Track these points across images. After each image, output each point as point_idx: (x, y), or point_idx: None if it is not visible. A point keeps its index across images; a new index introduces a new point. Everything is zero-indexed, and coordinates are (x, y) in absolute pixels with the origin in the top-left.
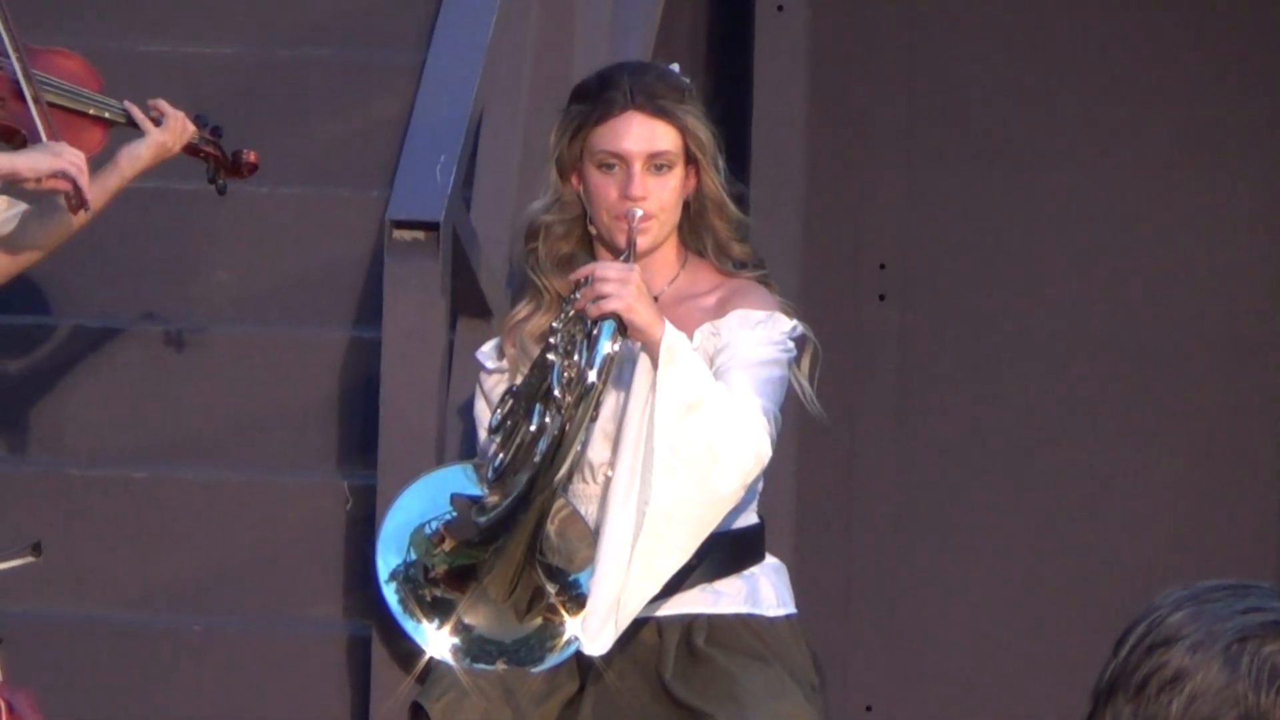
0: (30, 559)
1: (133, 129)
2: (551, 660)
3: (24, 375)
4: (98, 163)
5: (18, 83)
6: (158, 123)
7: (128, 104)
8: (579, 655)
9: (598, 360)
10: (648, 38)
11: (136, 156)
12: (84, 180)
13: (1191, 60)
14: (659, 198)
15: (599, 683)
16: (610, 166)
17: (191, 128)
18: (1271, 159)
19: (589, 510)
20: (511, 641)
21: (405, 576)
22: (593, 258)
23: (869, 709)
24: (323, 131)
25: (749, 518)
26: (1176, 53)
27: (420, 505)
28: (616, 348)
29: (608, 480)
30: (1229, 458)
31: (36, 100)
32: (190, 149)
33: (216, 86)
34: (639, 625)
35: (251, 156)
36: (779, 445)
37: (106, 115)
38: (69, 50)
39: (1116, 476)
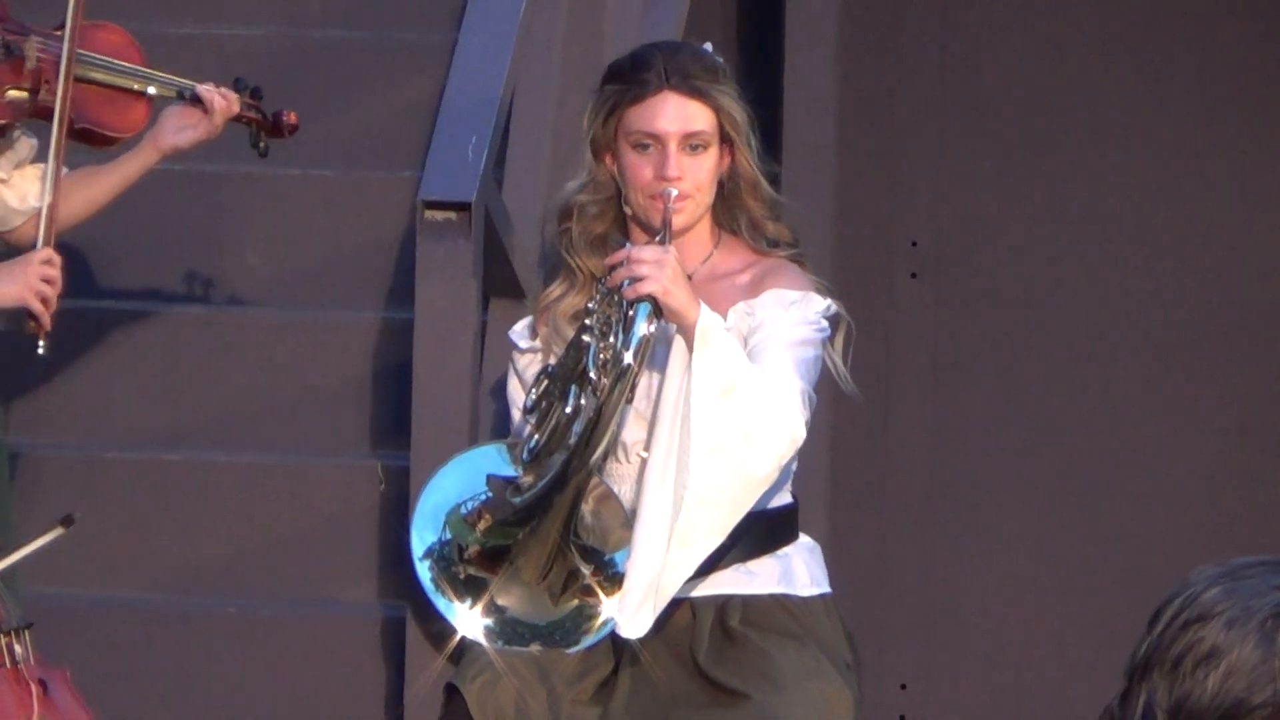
0: (61, 531)
1: (173, 101)
2: (587, 642)
3: (56, 358)
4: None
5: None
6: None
7: (198, 88)
8: (614, 636)
9: (634, 342)
10: (679, 16)
11: (178, 146)
12: (48, 311)
13: (1223, 37)
14: (694, 177)
15: (634, 663)
16: (645, 146)
17: (235, 107)
18: None
19: (623, 490)
20: (545, 624)
21: (439, 555)
22: (626, 238)
23: (904, 687)
24: (354, 113)
25: (783, 498)
26: (1208, 30)
27: (456, 485)
28: (652, 330)
29: (642, 461)
30: (1263, 433)
31: (62, 119)
32: (231, 115)
33: (248, 68)
34: (673, 606)
35: (292, 117)
36: (813, 425)
37: (151, 90)
38: (112, 25)
39: (1150, 453)
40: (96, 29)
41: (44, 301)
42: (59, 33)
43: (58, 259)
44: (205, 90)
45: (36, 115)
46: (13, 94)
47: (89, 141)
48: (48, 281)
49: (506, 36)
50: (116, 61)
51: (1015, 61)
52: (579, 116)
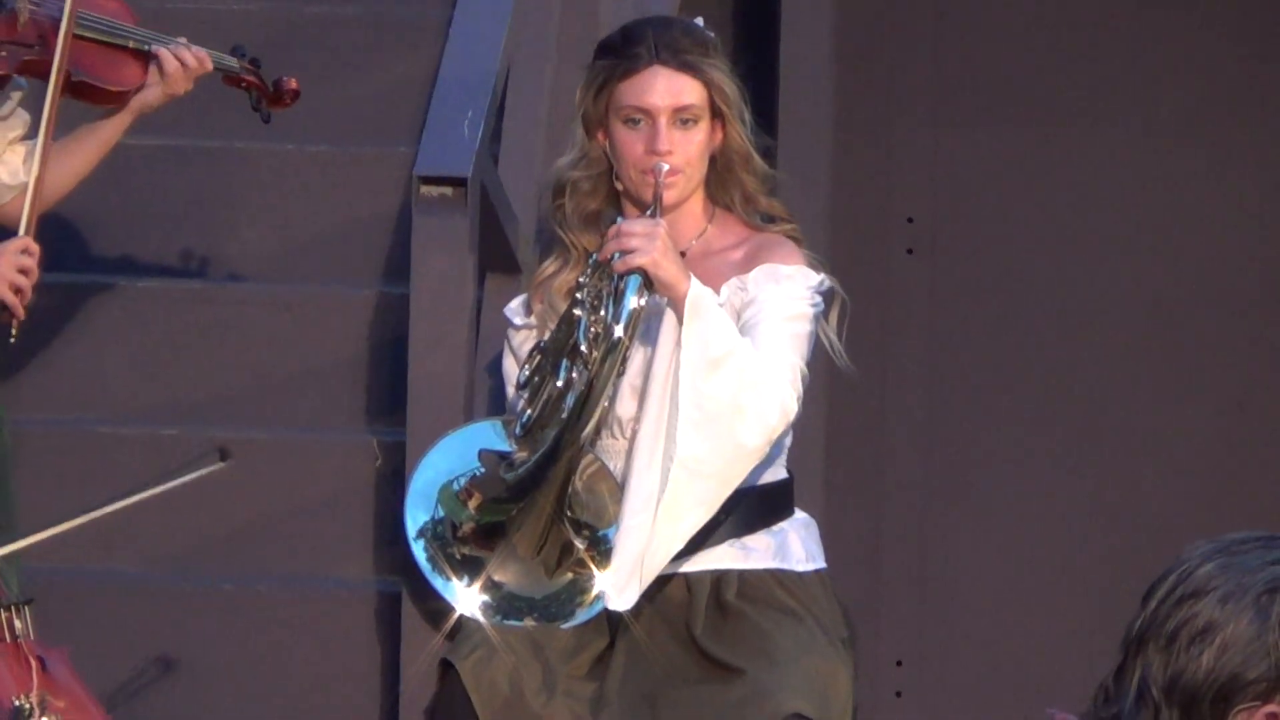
0: (220, 465)
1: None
2: (581, 616)
3: (52, 333)
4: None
5: (57, 25)
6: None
7: (161, 48)
8: (609, 611)
9: (624, 315)
10: None
11: (146, 103)
12: (22, 301)
13: (1218, 15)
14: (685, 152)
15: (629, 638)
16: (636, 121)
17: (208, 65)
18: None
19: (618, 465)
20: (541, 597)
21: (434, 534)
22: (620, 213)
23: (899, 664)
24: (350, 88)
25: (777, 472)
26: (1203, 8)
27: (449, 462)
28: (643, 303)
29: (636, 435)
30: (1259, 411)
31: (59, 72)
32: (231, 80)
33: (244, 42)
34: (667, 581)
35: (292, 84)
36: (808, 400)
37: (148, 48)
38: None
39: (1147, 430)
40: None
41: (18, 292)
42: None
43: (35, 248)
44: (169, 49)
45: (31, 72)
46: (9, 48)
47: (87, 97)
48: (23, 271)
49: (502, 11)
50: (113, 21)
51: (1012, 38)
52: (573, 92)
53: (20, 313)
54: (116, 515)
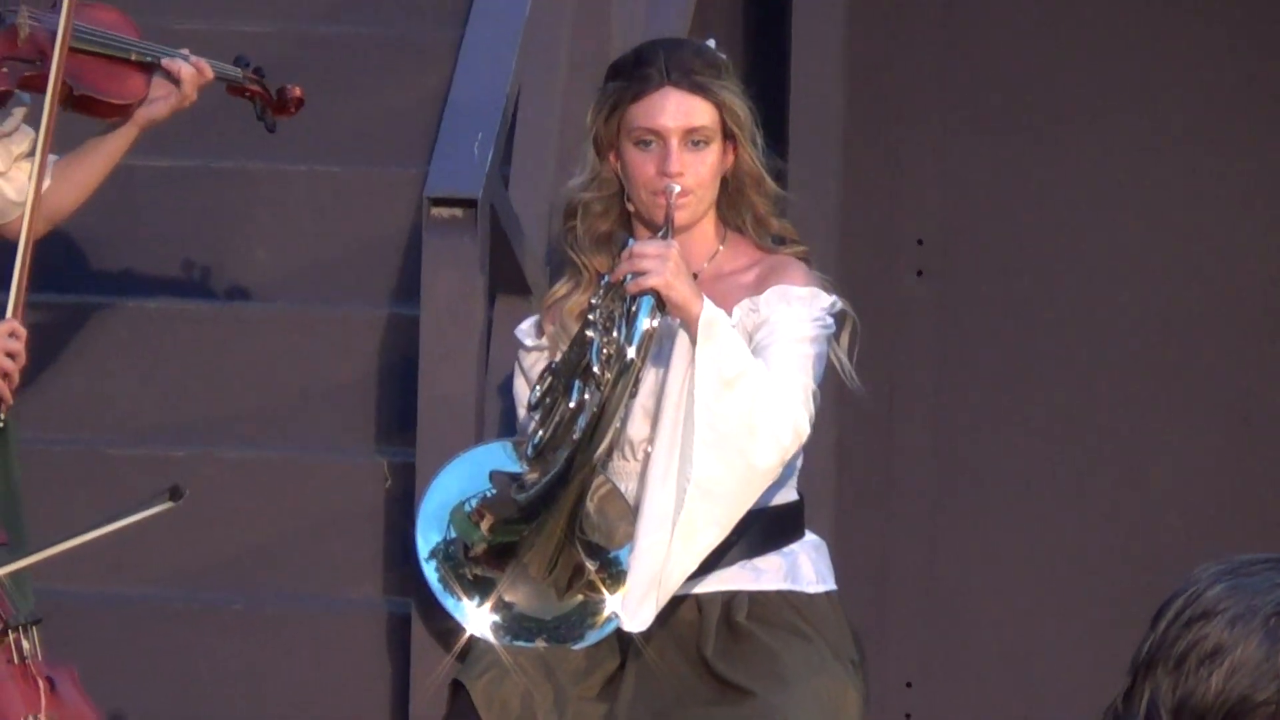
0: (169, 505)
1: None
2: (592, 637)
3: (63, 354)
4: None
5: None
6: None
7: (162, 59)
8: (619, 632)
9: (636, 336)
10: (685, 12)
11: (152, 117)
12: (9, 386)
13: (1228, 25)
14: (696, 173)
15: (640, 659)
16: (647, 143)
17: (208, 73)
18: None
19: (629, 487)
20: (552, 619)
21: (445, 554)
22: (631, 235)
23: (909, 685)
24: (360, 108)
25: (788, 494)
26: (1212, 18)
27: (460, 483)
28: (655, 324)
29: (648, 457)
30: (1268, 429)
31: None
32: (235, 89)
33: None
34: (678, 602)
35: (296, 91)
36: (819, 422)
37: (149, 59)
38: (105, 4)
39: (1155, 449)
40: (92, 8)
41: (5, 376)
42: (54, 10)
43: (22, 332)
44: (168, 62)
45: (32, 87)
46: (9, 64)
47: (91, 111)
48: (10, 355)
49: (513, 33)
50: (114, 34)
51: (1021, 57)
52: (584, 113)
53: (9, 398)
54: (125, 533)
